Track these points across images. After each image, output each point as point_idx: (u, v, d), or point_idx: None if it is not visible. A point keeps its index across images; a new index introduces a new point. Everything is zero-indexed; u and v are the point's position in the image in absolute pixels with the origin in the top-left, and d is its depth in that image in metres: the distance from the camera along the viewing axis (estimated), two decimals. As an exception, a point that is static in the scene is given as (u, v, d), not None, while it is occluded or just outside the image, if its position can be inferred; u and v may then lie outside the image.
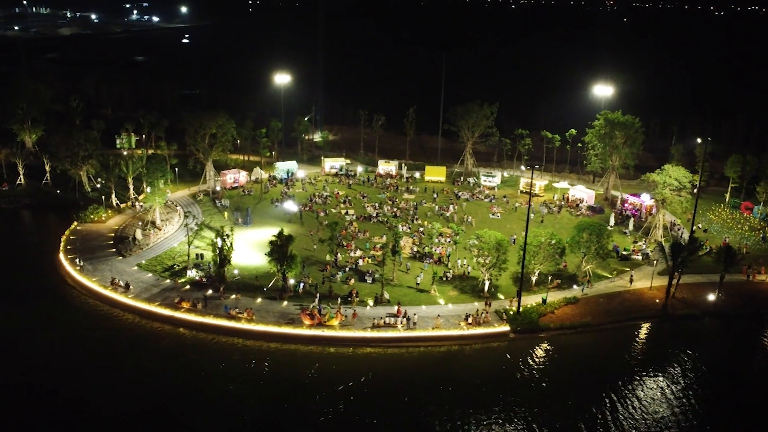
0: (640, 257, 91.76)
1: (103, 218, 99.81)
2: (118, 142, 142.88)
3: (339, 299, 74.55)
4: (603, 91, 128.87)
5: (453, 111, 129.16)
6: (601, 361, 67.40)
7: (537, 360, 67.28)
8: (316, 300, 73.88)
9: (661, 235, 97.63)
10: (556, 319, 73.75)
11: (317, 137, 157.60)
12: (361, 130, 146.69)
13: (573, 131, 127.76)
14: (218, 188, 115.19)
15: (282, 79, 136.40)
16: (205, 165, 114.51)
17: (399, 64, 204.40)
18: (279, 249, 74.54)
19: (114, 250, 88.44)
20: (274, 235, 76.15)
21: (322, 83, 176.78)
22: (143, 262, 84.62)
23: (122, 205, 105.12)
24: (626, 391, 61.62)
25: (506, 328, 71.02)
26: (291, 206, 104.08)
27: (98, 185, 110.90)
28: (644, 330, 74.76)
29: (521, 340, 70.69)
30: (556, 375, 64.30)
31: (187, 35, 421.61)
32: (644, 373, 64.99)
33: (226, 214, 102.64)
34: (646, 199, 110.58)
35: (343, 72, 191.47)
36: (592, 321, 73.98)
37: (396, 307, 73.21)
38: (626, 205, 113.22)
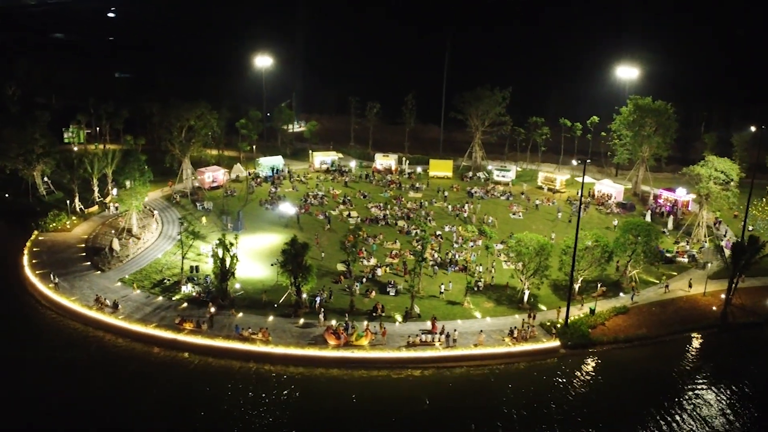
0: (686, 259, 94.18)
1: (68, 226, 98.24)
2: (66, 136, 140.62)
3: (369, 317, 74.98)
4: (627, 73, 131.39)
5: (461, 97, 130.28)
6: (663, 378, 68.89)
7: (594, 379, 68.62)
8: (346, 317, 74.07)
9: (705, 235, 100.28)
10: (608, 332, 75.35)
11: (300, 128, 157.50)
12: (351, 119, 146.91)
13: (595, 118, 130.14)
14: (195, 188, 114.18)
15: (262, 62, 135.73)
16: (182, 162, 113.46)
17: (391, 44, 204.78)
18: (293, 259, 74.45)
19: (89, 263, 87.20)
20: (287, 243, 76.03)
21: (301, 65, 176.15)
22: (126, 276, 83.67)
23: (87, 210, 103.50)
24: (695, 412, 63.22)
25: (556, 343, 72.29)
26: (287, 209, 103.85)
27: (54, 188, 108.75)
28: (702, 341, 76.80)
29: (573, 357, 72.02)
30: (617, 396, 65.60)
31: (113, 8, 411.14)
32: (709, 390, 66.74)
33: (204, 219, 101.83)
34: (682, 194, 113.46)
35: (325, 52, 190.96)
36: (648, 333, 75.76)
37: (430, 323, 73.84)
38: (659, 201, 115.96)
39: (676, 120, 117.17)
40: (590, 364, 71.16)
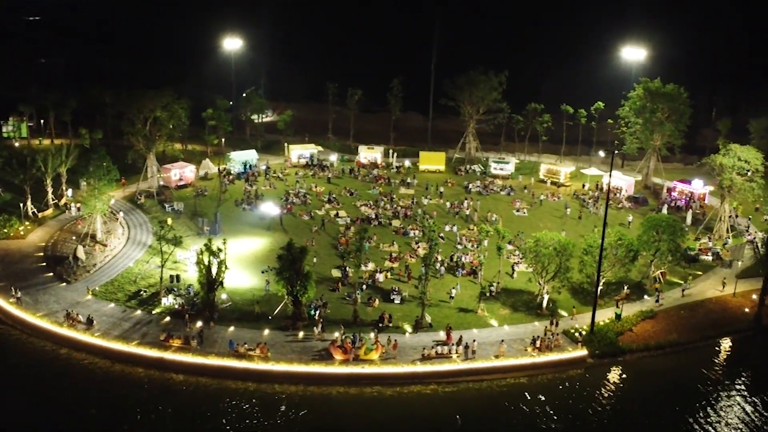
0: (710, 257, 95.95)
1: (21, 232, 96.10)
2: (5, 130, 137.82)
3: (376, 328, 74.89)
4: (634, 54, 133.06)
5: (452, 82, 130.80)
6: (699, 387, 69.95)
7: (626, 390, 69.48)
8: (341, 329, 73.81)
9: (728, 230, 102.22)
10: (637, 339, 76.40)
11: (268, 118, 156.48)
12: (329, 108, 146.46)
13: (600, 104, 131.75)
14: (160, 187, 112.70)
15: (232, 44, 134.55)
16: (147, 158, 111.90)
17: (369, 24, 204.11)
18: (291, 266, 73.95)
19: (51, 273, 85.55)
20: (282, 248, 75.53)
21: (268, 47, 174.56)
22: (97, 288, 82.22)
23: (41, 214, 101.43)
24: (737, 424, 64.45)
25: (583, 352, 73.03)
26: (270, 209, 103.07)
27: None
28: (737, 346, 78.33)
29: (601, 366, 72.86)
30: (653, 408, 66.34)
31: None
32: (750, 398, 68.04)
33: (170, 220, 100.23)
34: (698, 186, 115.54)
35: (294, 31, 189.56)
36: (679, 338, 77.00)
37: (444, 333, 74.03)
38: (673, 194, 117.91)
39: (689, 105, 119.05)
40: (621, 374, 72.06)
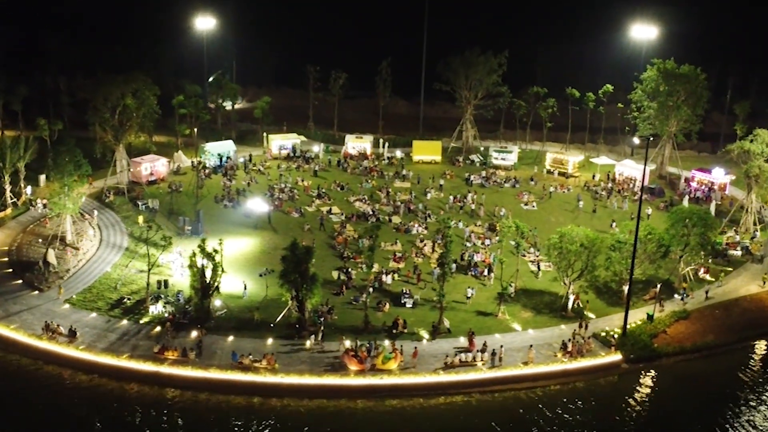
0: (739, 252, 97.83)
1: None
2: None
3: (395, 336, 75.24)
4: (644, 33, 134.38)
5: (446, 64, 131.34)
6: (744, 393, 71.30)
7: (667, 397, 70.49)
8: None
9: (756, 222, 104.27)
10: (672, 341, 77.68)
11: (240, 104, 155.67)
12: (310, 93, 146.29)
13: (609, 87, 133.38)
14: (130, 183, 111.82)
15: (204, 23, 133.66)
16: (115, 151, 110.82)
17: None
18: (296, 268, 73.92)
19: (20, 281, 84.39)
20: (286, 248, 75.46)
21: (238, 25, 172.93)
22: (73, 296, 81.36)
23: (0, 215, 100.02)
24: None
25: (617, 356, 74.05)
26: (258, 206, 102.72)
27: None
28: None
29: (636, 372, 73.91)
30: (698, 418, 67.55)
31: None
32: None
33: (141, 219, 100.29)
34: (719, 176, 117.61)
35: (265, 9, 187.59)
36: (716, 340, 78.54)
37: (466, 339, 74.54)
38: (691, 184, 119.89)
39: (707, 87, 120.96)
40: (658, 380, 73.15)
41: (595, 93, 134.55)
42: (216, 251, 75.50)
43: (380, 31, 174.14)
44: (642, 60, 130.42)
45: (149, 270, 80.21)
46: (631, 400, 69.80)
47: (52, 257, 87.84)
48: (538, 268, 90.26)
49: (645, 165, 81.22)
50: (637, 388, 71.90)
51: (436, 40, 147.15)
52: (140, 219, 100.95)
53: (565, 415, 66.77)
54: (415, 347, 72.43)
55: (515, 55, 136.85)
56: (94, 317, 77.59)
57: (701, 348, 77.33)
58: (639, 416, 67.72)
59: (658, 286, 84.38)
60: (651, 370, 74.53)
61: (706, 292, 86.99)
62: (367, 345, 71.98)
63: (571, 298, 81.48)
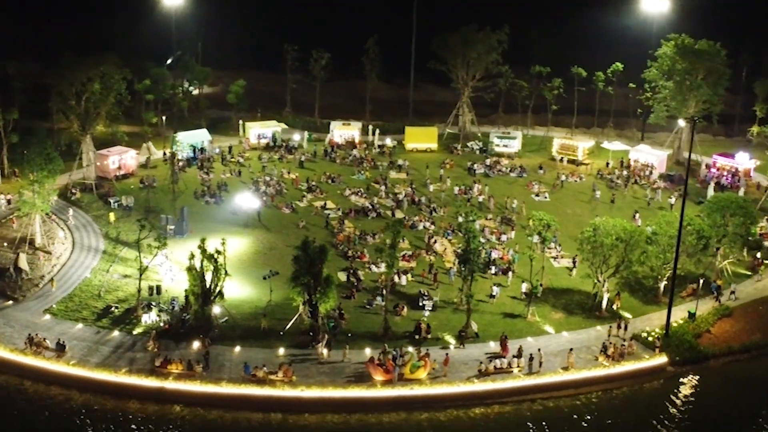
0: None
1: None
2: None
3: (419, 343, 75.51)
4: (655, 5, 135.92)
5: (441, 41, 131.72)
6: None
7: (722, 404, 71.61)
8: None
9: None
10: (717, 341, 79.05)
11: (209, 89, 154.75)
12: (288, 76, 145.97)
13: (618, 65, 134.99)
14: (97, 178, 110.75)
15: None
16: (81, 142, 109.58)
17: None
18: (309, 269, 73.84)
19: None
20: (297, 247, 75.33)
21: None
22: (53, 306, 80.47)
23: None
24: None
25: (662, 359, 75.18)
26: (246, 202, 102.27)
27: None
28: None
29: (683, 375, 75.09)
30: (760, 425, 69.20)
31: None
32: None
33: (112, 216, 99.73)
34: (743, 161, 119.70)
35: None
36: (765, 338, 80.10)
37: (494, 344, 75.24)
38: (713, 170, 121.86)
39: (727, 65, 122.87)
40: (709, 384, 74.28)
41: (603, 72, 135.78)
42: (219, 252, 75.01)
43: (359, 9, 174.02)
44: (652, 36, 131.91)
45: (140, 275, 79.56)
46: (679, 405, 70.76)
47: (23, 263, 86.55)
48: (574, 264, 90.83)
49: (690, 151, 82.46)
50: (685, 392, 72.99)
51: (424, 17, 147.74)
52: (111, 216, 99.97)
53: (611, 423, 67.66)
54: (447, 354, 72.80)
55: (512, 32, 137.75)
56: (80, 328, 76.73)
57: (750, 348, 78.74)
58: (689, 423, 68.59)
59: (700, 282, 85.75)
60: (698, 373, 75.68)
61: (732, 292, 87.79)
62: (394, 353, 72.11)
63: (606, 296, 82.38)
